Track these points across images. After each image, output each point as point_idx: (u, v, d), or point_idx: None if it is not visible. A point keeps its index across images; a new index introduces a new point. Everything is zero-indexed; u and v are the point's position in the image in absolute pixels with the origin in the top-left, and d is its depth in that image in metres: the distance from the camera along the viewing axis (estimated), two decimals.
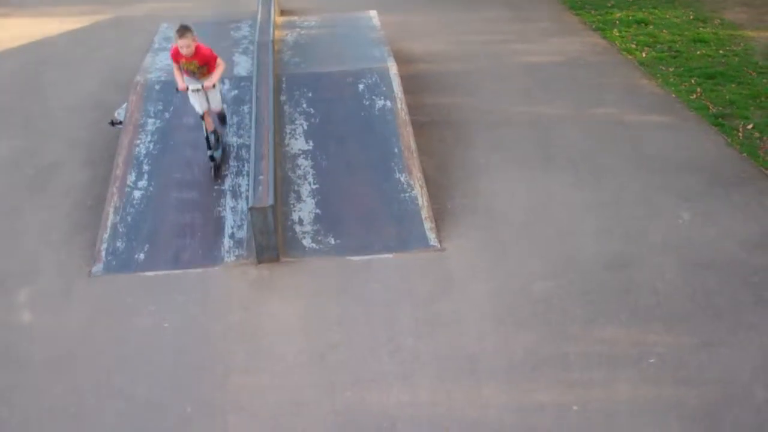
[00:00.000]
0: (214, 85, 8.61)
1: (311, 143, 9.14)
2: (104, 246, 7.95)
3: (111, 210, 8.29)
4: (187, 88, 8.53)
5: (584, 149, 9.55)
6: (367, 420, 6.15)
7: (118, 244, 7.97)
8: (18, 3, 15.31)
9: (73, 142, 10.04)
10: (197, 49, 8.39)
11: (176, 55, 8.51)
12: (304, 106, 9.64)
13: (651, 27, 13.39)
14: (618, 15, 13.91)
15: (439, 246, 7.95)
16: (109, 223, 8.16)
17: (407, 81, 10.19)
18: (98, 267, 7.79)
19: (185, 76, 8.63)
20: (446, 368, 6.57)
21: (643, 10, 14.18)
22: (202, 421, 6.17)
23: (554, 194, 8.72)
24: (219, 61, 8.62)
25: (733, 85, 11.20)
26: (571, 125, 10.10)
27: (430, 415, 6.16)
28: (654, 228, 8.14)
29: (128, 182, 8.62)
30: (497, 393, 6.34)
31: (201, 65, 8.54)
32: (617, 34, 13.08)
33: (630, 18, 13.73)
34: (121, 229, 8.11)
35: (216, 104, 8.89)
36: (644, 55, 12.27)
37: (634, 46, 12.60)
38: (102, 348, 6.89)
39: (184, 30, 8.30)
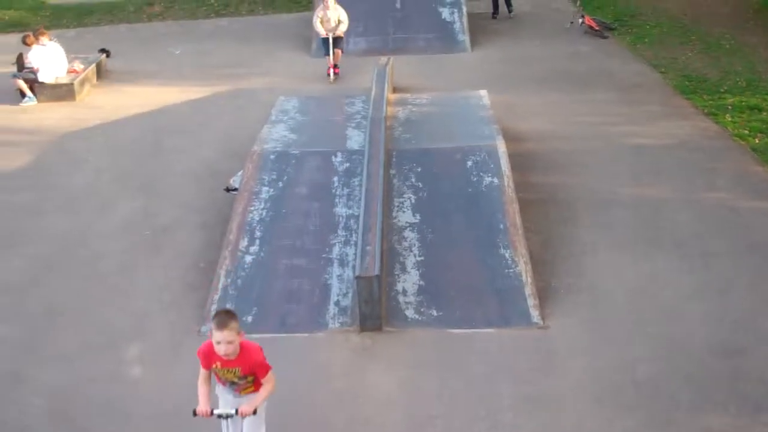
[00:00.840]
0: (255, 410, 5.79)
1: (418, 216, 9.29)
2: (214, 307, 8.19)
3: (222, 273, 8.57)
4: (211, 413, 5.72)
5: (693, 233, 9.42)
6: None
7: (228, 305, 8.19)
8: (144, 73, 16.10)
9: (189, 206, 10.45)
10: (243, 349, 5.68)
11: (208, 356, 5.74)
12: (413, 180, 9.83)
13: (765, 113, 13.18)
14: (731, 100, 13.75)
15: (542, 323, 7.94)
16: (220, 285, 8.43)
17: (514, 159, 10.29)
18: (207, 327, 8.01)
19: (219, 386, 5.94)
20: None
21: (757, 95, 13.97)
22: None
23: (661, 277, 8.62)
24: (270, 375, 5.81)
25: None
26: (680, 208, 10.00)
27: None
28: (765, 317, 7.94)
29: (240, 247, 8.91)
30: None
31: (245, 374, 5.78)
32: (729, 119, 12.92)
33: (743, 103, 13.55)
34: (231, 292, 8.37)
35: (253, 429, 5.95)
36: (757, 141, 12.08)
37: (746, 132, 12.42)
38: None
39: (225, 318, 5.58)
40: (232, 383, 5.82)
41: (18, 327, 8.23)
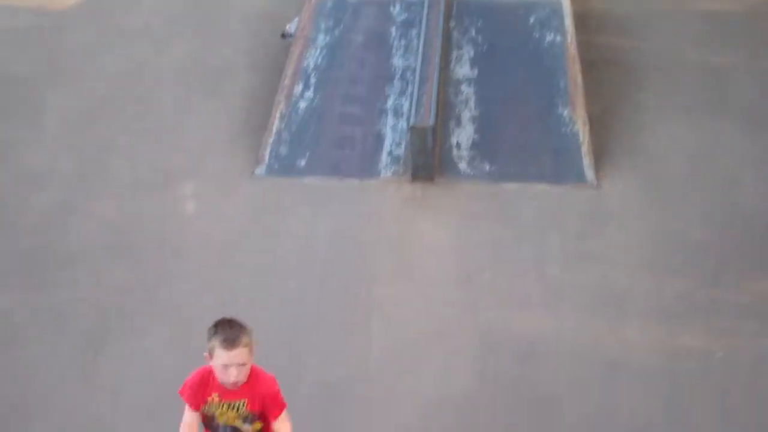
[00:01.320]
0: None
1: (476, 71, 9.09)
2: (268, 150, 8.21)
3: (277, 116, 8.53)
4: None
5: (758, 102, 9.10)
6: (506, 340, 6.21)
7: (282, 149, 8.22)
8: None
9: (244, 50, 10.30)
10: (253, 375, 3.95)
11: (201, 388, 4.02)
12: (473, 33, 9.58)
13: None
14: None
15: (596, 183, 7.83)
16: (274, 129, 8.41)
17: (578, 18, 9.92)
18: (261, 168, 8.07)
19: None
20: (592, 303, 6.54)
21: None
22: (345, 323, 6.38)
23: (723, 144, 8.40)
24: (283, 416, 4.05)
25: None
26: (748, 77, 9.62)
27: (570, 344, 6.16)
28: None
29: (295, 92, 8.83)
30: (642, 333, 6.28)
31: (252, 411, 4.01)
32: None
33: None
34: (285, 136, 8.35)
35: None
36: None
37: None
38: (257, 245, 7.18)
39: (234, 333, 3.79)
40: (234, 429, 4.06)
41: (71, 161, 8.28)
